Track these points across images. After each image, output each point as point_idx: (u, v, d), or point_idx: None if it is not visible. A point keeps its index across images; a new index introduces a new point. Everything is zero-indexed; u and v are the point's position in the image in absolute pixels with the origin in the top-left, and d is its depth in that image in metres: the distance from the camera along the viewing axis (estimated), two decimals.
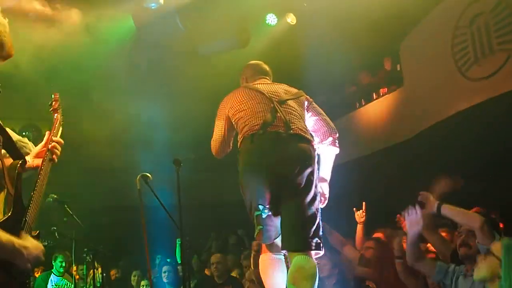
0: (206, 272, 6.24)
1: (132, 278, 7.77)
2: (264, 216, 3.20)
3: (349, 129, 8.20)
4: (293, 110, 3.37)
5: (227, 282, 5.76)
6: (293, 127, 3.26)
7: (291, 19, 7.21)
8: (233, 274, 6.35)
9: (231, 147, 3.59)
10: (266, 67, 3.78)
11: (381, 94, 8.43)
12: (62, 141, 2.44)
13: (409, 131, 7.72)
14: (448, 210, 3.69)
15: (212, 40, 7.23)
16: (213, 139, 3.59)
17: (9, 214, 2.03)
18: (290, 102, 3.41)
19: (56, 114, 2.52)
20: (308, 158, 3.22)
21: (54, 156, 2.36)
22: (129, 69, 7.56)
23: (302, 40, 7.43)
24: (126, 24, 6.74)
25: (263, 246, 3.33)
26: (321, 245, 3.16)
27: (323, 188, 3.44)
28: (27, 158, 2.32)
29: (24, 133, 8.42)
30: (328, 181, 3.48)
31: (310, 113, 3.50)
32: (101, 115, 8.06)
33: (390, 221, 5.39)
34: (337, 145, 3.48)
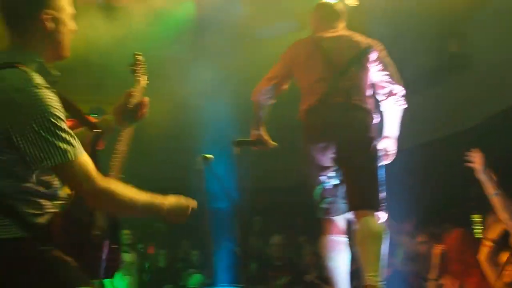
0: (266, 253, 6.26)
1: (193, 258, 7.91)
2: (330, 186, 3.23)
3: (413, 115, 7.98)
4: (354, 77, 3.33)
5: (286, 265, 5.75)
6: (353, 97, 3.25)
7: (352, 0, 7.03)
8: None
9: (274, 98, 3.60)
10: (338, 9, 3.68)
11: (446, 78, 8.13)
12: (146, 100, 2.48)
13: (476, 116, 7.45)
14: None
15: (272, 23, 7.17)
16: (265, 77, 3.63)
17: None
18: (354, 68, 3.34)
19: (137, 75, 2.56)
20: (365, 129, 3.28)
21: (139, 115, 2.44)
22: (189, 53, 7.61)
23: (363, 22, 7.26)
24: (187, 8, 6.79)
25: (326, 227, 3.32)
26: (383, 205, 3.21)
27: (388, 145, 3.41)
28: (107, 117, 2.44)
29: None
30: (395, 137, 3.45)
31: (377, 67, 3.40)
32: (161, 97, 8.18)
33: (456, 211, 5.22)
34: (403, 102, 3.36)
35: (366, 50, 3.44)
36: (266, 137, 3.73)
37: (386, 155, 3.44)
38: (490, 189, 3.62)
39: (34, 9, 1.98)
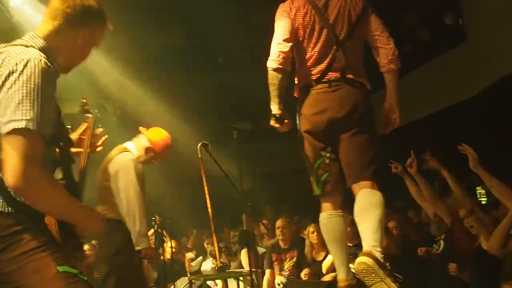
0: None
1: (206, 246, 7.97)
2: (327, 161, 3.25)
3: (410, 90, 8.00)
4: (352, 48, 3.27)
5: (293, 246, 5.75)
6: (349, 72, 3.23)
7: None
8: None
9: (291, 65, 3.29)
10: None
11: (442, 51, 8.14)
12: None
13: (473, 88, 7.45)
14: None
15: None
16: (273, 43, 3.29)
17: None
18: (351, 38, 3.26)
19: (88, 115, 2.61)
20: (359, 103, 3.24)
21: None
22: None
23: None
24: None
25: (323, 204, 3.36)
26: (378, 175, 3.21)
27: (391, 110, 3.34)
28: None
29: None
30: (397, 99, 3.32)
31: (373, 26, 3.30)
32: (161, 91, 8.27)
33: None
34: (395, 65, 3.28)
35: (365, 10, 3.25)
36: (285, 114, 3.34)
37: (390, 121, 3.34)
38: (487, 181, 3.68)
39: (79, 21, 2.10)
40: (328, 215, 3.32)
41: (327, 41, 3.25)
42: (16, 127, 1.78)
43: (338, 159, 3.27)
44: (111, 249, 4.02)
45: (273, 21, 3.40)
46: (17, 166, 1.76)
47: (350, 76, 3.24)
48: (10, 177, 1.77)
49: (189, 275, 6.86)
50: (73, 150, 2.32)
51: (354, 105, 3.22)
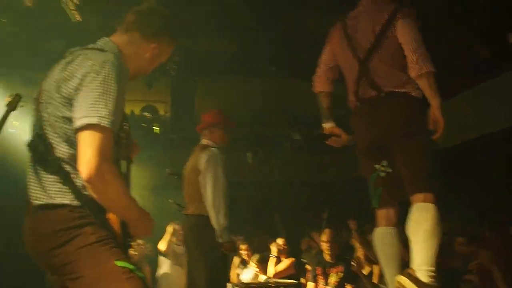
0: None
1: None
2: (383, 174, 3.20)
3: (468, 108, 7.78)
4: (380, 62, 3.21)
5: (338, 261, 5.62)
6: (383, 87, 3.18)
7: None
8: None
9: (331, 86, 3.51)
10: None
11: (503, 70, 7.90)
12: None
13: None
14: None
15: None
16: (319, 62, 3.55)
17: None
18: (378, 51, 3.20)
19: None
20: (404, 114, 3.16)
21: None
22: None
23: None
24: None
25: (377, 219, 3.30)
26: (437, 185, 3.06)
27: (433, 116, 3.15)
28: None
29: (143, 114, 8.99)
30: (436, 105, 3.12)
31: (399, 38, 3.18)
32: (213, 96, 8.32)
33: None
34: (414, 72, 3.11)
35: (391, 19, 3.18)
36: (339, 129, 3.47)
37: (436, 128, 3.13)
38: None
39: (156, 34, 2.24)
40: (380, 230, 3.28)
41: (353, 62, 3.27)
42: (89, 123, 1.86)
43: (396, 172, 3.19)
44: (207, 243, 4.14)
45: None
46: (91, 159, 1.84)
47: (389, 89, 3.18)
48: (84, 170, 1.85)
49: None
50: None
51: (396, 118, 3.16)
